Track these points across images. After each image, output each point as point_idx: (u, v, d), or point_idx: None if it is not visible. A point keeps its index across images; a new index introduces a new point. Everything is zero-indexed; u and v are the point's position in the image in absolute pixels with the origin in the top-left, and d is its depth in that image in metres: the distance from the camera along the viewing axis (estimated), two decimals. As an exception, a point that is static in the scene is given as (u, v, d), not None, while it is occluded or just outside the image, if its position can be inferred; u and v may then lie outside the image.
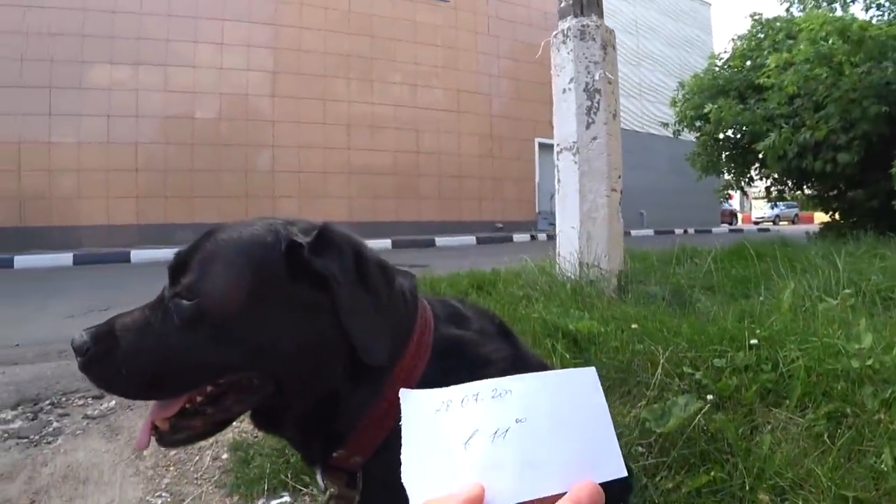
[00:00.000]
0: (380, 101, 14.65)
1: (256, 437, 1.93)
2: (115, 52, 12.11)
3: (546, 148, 17.00)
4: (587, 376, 0.41)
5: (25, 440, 2.18)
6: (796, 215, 29.47)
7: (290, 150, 13.46)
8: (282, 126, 13.45)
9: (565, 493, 0.34)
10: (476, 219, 15.68)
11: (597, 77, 3.21)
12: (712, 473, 1.46)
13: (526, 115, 16.73)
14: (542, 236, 14.13)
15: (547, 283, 2.87)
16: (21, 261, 9.61)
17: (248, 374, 0.71)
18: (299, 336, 0.70)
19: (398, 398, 0.72)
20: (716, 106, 7.25)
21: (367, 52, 14.50)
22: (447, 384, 0.77)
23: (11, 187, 11.44)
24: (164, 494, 1.72)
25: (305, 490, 1.59)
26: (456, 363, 0.78)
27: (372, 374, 0.73)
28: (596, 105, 3.20)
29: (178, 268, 0.72)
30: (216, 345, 0.68)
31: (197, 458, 1.94)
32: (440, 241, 12.88)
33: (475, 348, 0.81)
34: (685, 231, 17.46)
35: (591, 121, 3.17)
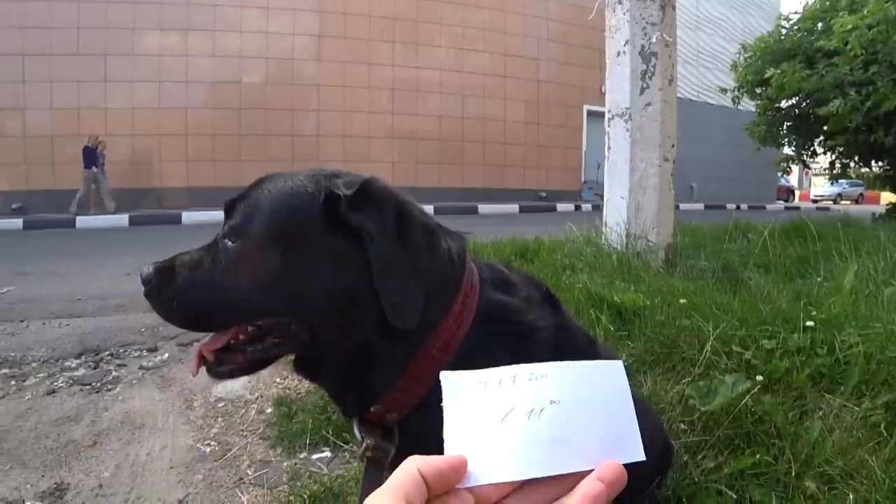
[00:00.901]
0: (425, 65, 14.43)
1: (299, 393, 1.99)
2: (164, 18, 12.37)
3: (594, 116, 16.42)
4: (616, 368, 0.44)
5: (88, 387, 2.33)
6: (861, 195, 27.26)
7: (335, 115, 13.52)
8: (327, 90, 13.49)
9: (591, 471, 0.37)
10: (520, 186, 15.42)
11: (653, 39, 3.03)
12: (757, 456, 1.40)
13: (574, 81, 16.14)
14: (586, 206, 13.80)
15: (592, 254, 2.80)
16: (82, 221, 10.17)
17: (284, 319, 0.73)
18: (330, 287, 0.71)
19: (437, 357, 0.73)
20: (778, 71, 6.73)
21: (412, 14, 14.24)
22: (490, 349, 0.76)
23: (72, 151, 12.03)
24: (212, 443, 1.81)
25: (346, 447, 1.63)
26: (500, 329, 0.77)
27: (409, 334, 0.72)
28: (651, 69, 3.03)
29: (228, 212, 0.77)
30: (253, 287, 0.71)
31: (243, 411, 2.03)
32: (483, 208, 12.79)
33: (520, 315, 0.80)
34: (737, 207, 16.64)
35: (645, 86, 3.01)
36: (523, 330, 0.79)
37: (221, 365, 0.76)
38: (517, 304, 0.81)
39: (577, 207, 14.03)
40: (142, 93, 12.31)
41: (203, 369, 0.77)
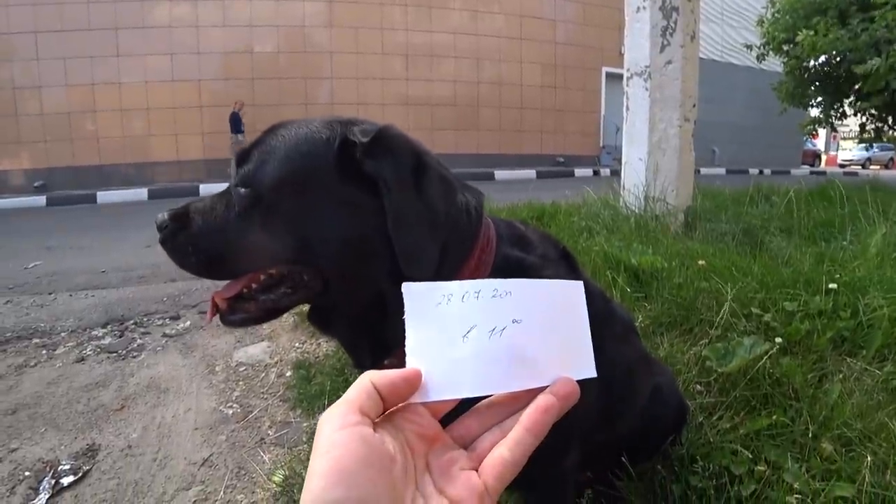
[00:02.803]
0: (439, 28, 14.06)
1: (318, 357, 2.03)
2: (174, -14, 12.22)
3: (613, 78, 15.94)
4: (576, 288, 0.45)
5: (114, 354, 2.41)
6: (892, 159, 26.12)
7: (348, 82, 13.35)
8: (340, 57, 13.29)
9: (546, 387, 0.39)
10: (536, 152, 15.16)
11: (675, -7, 2.91)
12: (774, 417, 1.39)
13: (593, 43, 15.62)
14: (605, 171, 13.54)
15: (610, 217, 2.76)
16: (102, 196, 10.34)
17: (296, 267, 0.73)
18: (342, 235, 0.70)
19: None
20: (810, 32, 6.39)
21: (425, -24, 13.86)
22: None
23: (89, 128, 12.16)
24: (234, 405, 1.86)
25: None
26: None
27: None
28: (672, 25, 2.91)
29: (241, 158, 0.75)
30: (265, 233, 0.71)
31: (263, 374, 2.08)
32: (499, 174, 12.65)
33: (535, 272, 0.78)
34: (760, 171, 16.18)
35: (665, 43, 2.90)
36: None
37: (234, 313, 0.76)
38: (533, 261, 0.80)
39: (596, 173, 13.79)
40: (154, 66, 12.27)
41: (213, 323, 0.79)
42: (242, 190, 0.72)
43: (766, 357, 1.48)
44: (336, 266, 0.71)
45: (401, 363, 0.74)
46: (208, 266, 0.74)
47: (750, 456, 1.26)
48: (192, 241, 0.74)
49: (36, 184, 11.65)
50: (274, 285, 0.74)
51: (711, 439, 1.36)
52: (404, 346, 0.73)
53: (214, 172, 12.41)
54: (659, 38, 2.94)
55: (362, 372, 0.81)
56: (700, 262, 2.01)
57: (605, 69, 15.90)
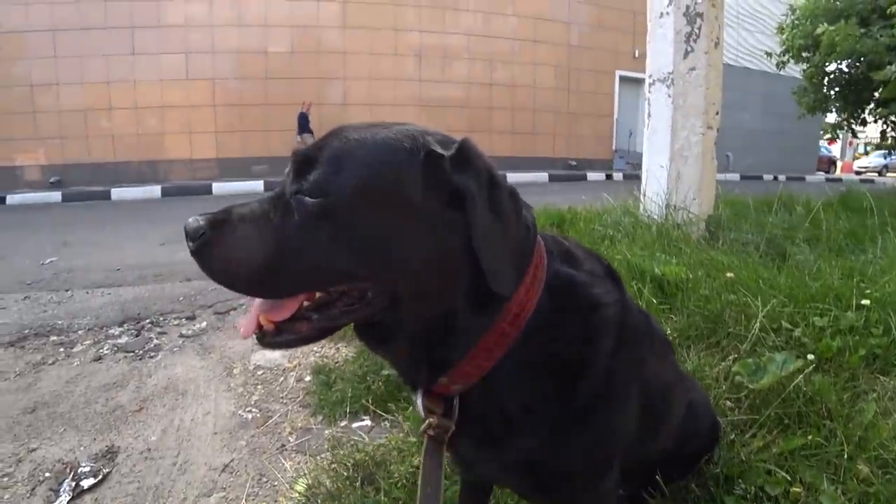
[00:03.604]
0: (452, 30, 14.04)
1: (337, 362, 2.01)
2: (189, -14, 12.31)
3: (628, 82, 15.85)
4: None
5: (131, 354, 2.41)
6: None
7: (361, 83, 13.36)
8: (353, 58, 13.31)
9: None
10: (549, 155, 15.07)
11: (699, -1, 2.86)
12: (809, 437, 1.36)
13: (607, 46, 15.54)
14: (618, 176, 13.48)
15: (631, 224, 2.72)
16: (116, 193, 10.42)
17: (363, 284, 0.66)
18: (425, 252, 0.65)
19: (507, 329, 0.71)
20: (830, 28, 6.32)
21: (438, -24, 13.85)
22: (557, 323, 0.74)
23: (104, 125, 12.27)
24: (253, 410, 1.85)
25: (386, 416, 1.65)
26: (567, 302, 0.74)
27: (492, 304, 0.69)
28: (696, 31, 2.87)
29: (304, 163, 0.67)
30: (336, 249, 0.63)
31: (282, 378, 2.07)
32: (511, 176, 12.59)
33: (586, 289, 0.77)
34: (775, 178, 16.02)
35: (689, 49, 2.86)
36: (590, 304, 0.76)
37: (280, 334, 0.67)
38: (583, 278, 0.78)
39: (609, 177, 13.72)
40: (169, 65, 12.35)
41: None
42: (309, 199, 0.64)
43: (801, 375, 1.44)
44: (413, 284, 0.66)
45: (457, 380, 0.73)
46: (257, 283, 0.65)
47: (787, 477, 1.23)
48: (239, 254, 0.64)
49: (52, 180, 11.78)
50: (331, 303, 0.68)
51: (744, 458, 1.33)
52: (464, 362, 0.72)
53: (227, 171, 12.48)
54: (682, 44, 2.90)
55: (413, 389, 0.79)
56: (728, 275, 1.97)
57: (618, 72, 15.81)
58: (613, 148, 16.21)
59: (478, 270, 0.66)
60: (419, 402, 0.76)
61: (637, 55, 15.38)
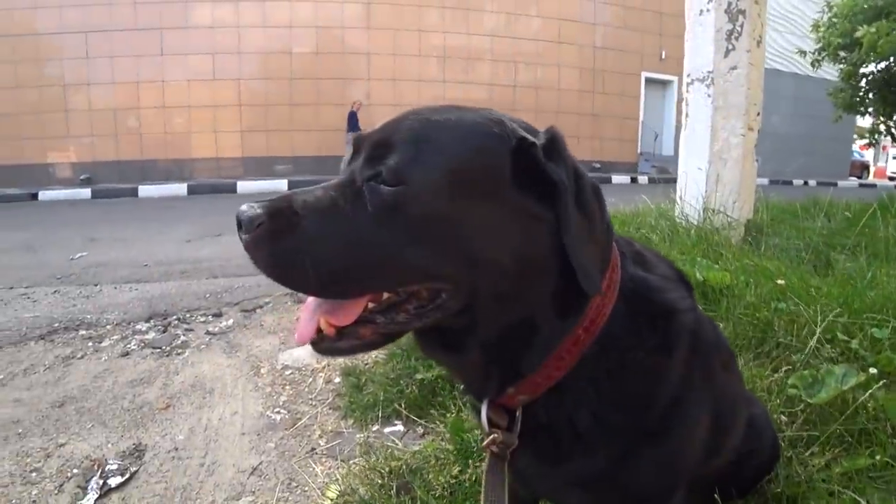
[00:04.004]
0: (475, 31, 14.02)
1: (367, 364, 1.96)
2: (217, -12, 12.50)
3: (653, 84, 15.61)
4: None
5: (158, 350, 2.39)
6: None
7: (384, 83, 13.39)
8: (377, 59, 13.36)
9: None
10: (573, 157, 14.98)
11: (742, -6, 2.76)
12: (877, 457, 1.26)
13: (633, 47, 15.31)
14: (642, 179, 13.26)
15: (668, 228, 2.63)
16: (144, 190, 10.61)
17: (438, 284, 0.59)
18: (517, 249, 0.59)
19: (582, 336, 0.64)
20: (871, 29, 6.10)
21: (462, -23, 13.82)
22: (633, 329, 0.67)
23: (132, 124, 12.54)
24: (281, 411, 1.81)
25: (419, 421, 1.59)
26: (642, 307, 0.69)
27: (571, 308, 0.63)
28: (738, 29, 2.77)
29: (379, 146, 0.60)
30: (414, 244, 0.56)
31: (310, 379, 2.02)
32: (535, 179, 12.51)
33: (661, 294, 0.71)
34: (805, 182, 15.62)
35: (730, 47, 2.76)
36: (666, 311, 0.70)
37: (341, 339, 0.60)
38: (658, 283, 0.72)
39: (633, 180, 13.51)
40: (196, 65, 12.56)
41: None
42: (386, 188, 0.56)
43: (868, 391, 1.34)
44: (496, 284, 0.59)
45: (524, 391, 0.67)
46: (327, 283, 0.56)
47: (855, 497, 1.14)
48: (305, 248, 0.55)
49: (82, 177, 12.06)
50: (398, 304, 0.61)
51: (805, 478, 1.24)
52: (537, 372, 0.66)
53: (251, 170, 12.63)
54: (723, 42, 2.80)
55: (478, 400, 0.73)
56: (779, 282, 1.87)
57: (644, 74, 15.58)
58: (638, 151, 15.98)
59: (563, 270, 0.60)
60: (483, 414, 0.69)
61: (664, 57, 15.13)
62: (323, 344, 0.60)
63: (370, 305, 0.61)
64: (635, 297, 0.68)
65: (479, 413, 0.71)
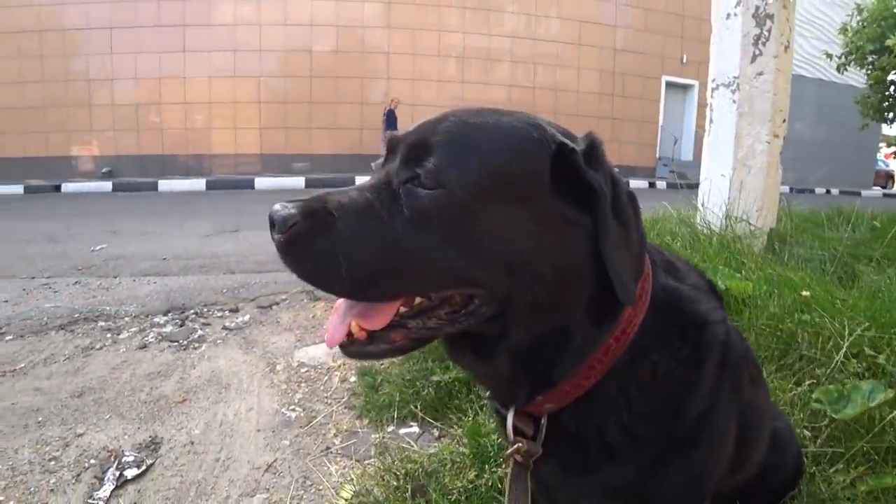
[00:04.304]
0: (495, 32, 14.00)
1: (383, 364, 1.96)
2: (239, -14, 12.65)
3: (674, 88, 15.44)
4: None
5: (176, 343, 2.42)
6: None
7: (403, 83, 13.44)
8: (396, 58, 13.42)
9: None
10: (590, 160, 14.86)
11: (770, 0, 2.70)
12: (905, 477, 1.22)
13: (654, 50, 15.17)
14: (660, 184, 13.12)
15: (689, 235, 2.59)
16: (163, 184, 10.77)
17: (472, 289, 0.59)
18: (553, 256, 0.58)
19: (613, 346, 0.64)
20: (903, 38, 5.97)
21: (483, -21, 13.80)
22: (664, 339, 0.66)
23: (153, 119, 12.75)
24: (297, 409, 1.81)
25: (435, 423, 1.58)
26: (673, 317, 0.68)
27: (605, 316, 0.62)
28: (766, 34, 2.71)
29: (417, 148, 0.59)
30: (451, 248, 0.55)
31: (326, 378, 2.03)
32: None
33: (693, 305, 0.70)
34: (827, 191, 15.33)
35: (757, 52, 2.70)
36: (698, 322, 0.69)
37: (371, 342, 0.59)
38: (689, 293, 0.71)
39: (652, 185, 13.37)
40: (217, 62, 12.72)
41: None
42: (423, 191, 0.56)
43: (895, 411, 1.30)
44: (532, 292, 0.58)
45: (552, 399, 0.65)
46: (362, 286, 0.56)
47: (881, 519, 1.11)
48: (341, 251, 0.55)
49: (104, 170, 12.29)
50: (430, 308, 0.60)
51: (829, 496, 1.21)
52: (568, 380, 0.65)
53: (269, 167, 12.75)
54: (750, 47, 2.74)
55: (504, 407, 0.72)
56: (804, 293, 1.82)
57: (665, 78, 15.42)
58: (657, 155, 15.81)
59: (598, 278, 0.59)
60: (509, 422, 0.68)
61: (685, 61, 14.95)
62: (353, 347, 0.60)
63: (402, 310, 0.60)
64: (667, 307, 0.67)
65: (503, 420, 0.70)
